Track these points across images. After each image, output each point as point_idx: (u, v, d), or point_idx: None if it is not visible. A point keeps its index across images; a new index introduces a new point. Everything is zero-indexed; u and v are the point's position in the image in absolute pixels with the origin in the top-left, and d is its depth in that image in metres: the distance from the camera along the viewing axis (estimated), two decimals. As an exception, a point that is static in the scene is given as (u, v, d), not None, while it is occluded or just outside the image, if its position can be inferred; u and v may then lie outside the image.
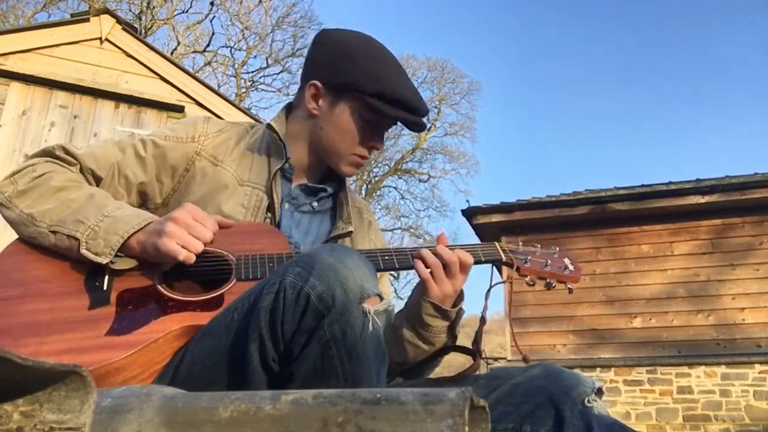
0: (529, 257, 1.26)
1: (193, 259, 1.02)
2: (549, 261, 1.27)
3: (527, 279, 1.26)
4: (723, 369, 7.27)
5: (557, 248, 1.31)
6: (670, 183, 8.77)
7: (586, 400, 0.97)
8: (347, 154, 1.26)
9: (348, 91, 1.22)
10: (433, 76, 25.85)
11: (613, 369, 7.61)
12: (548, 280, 1.27)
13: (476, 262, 1.20)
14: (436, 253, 1.16)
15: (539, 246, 1.31)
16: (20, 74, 5.47)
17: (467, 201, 10.01)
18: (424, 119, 1.27)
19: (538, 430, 0.96)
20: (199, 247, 1.02)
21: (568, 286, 1.28)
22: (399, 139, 24.97)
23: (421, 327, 1.18)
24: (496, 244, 1.27)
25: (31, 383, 0.43)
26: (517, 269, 1.25)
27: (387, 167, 24.78)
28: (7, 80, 5.46)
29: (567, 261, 1.29)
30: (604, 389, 1.02)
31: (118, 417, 0.54)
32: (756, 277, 7.50)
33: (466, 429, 0.46)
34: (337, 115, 1.24)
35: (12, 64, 5.46)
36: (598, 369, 7.62)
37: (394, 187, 25.08)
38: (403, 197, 25.12)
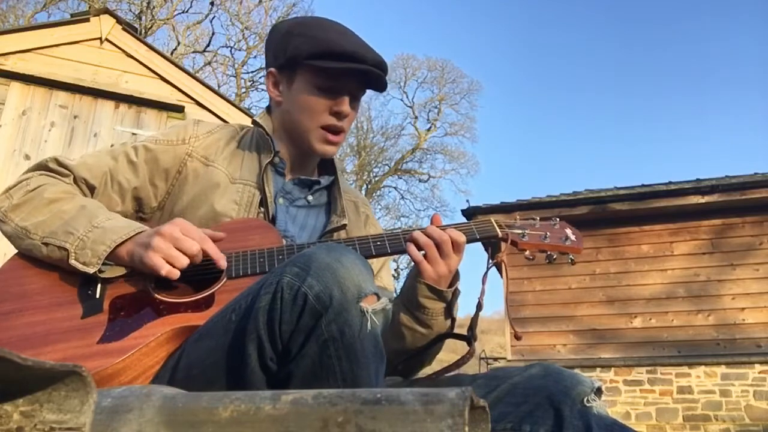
0: (527, 231, 1.22)
1: (176, 274, 1.01)
2: (548, 233, 1.23)
3: (526, 253, 1.22)
4: (723, 369, 7.27)
5: (557, 219, 1.27)
6: (670, 183, 8.77)
7: (585, 400, 0.97)
8: (315, 128, 1.24)
9: (297, 66, 1.22)
10: (433, 76, 25.90)
11: (613, 369, 7.61)
12: (549, 253, 1.22)
13: (471, 240, 1.18)
14: (427, 234, 1.14)
15: (538, 218, 1.26)
16: (20, 74, 5.46)
17: (467, 201, 10.01)
18: (380, 72, 1.22)
19: (537, 429, 0.96)
20: (184, 262, 1.01)
21: (570, 257, 1.23)
22: (399, 139, 24.99)
23: (417, 310, 1.17)
24: (492, 219, 1.23)
25: (31, 383, 0.43)
26: (514, 243, 1.20)
27: (387, 167, 24.79)
28: (7, 80, 5.45)
29: (568, 231, 1.24)
30: (603, 389, 1.01)
31: (118, 417, 0.54)
32: (756, 277, 7.50)
33: (466, 429, 0.46)
34: (295, 92, 1.24)
35: (12, 64, 5.45)
36: (598, 369, 7.62)
37: (394, 187, 25.12)
38: (403, 197, 25.18)
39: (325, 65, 1.18)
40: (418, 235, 1.14)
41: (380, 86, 1.27)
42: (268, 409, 0.51)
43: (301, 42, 1.21)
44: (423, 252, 1.14)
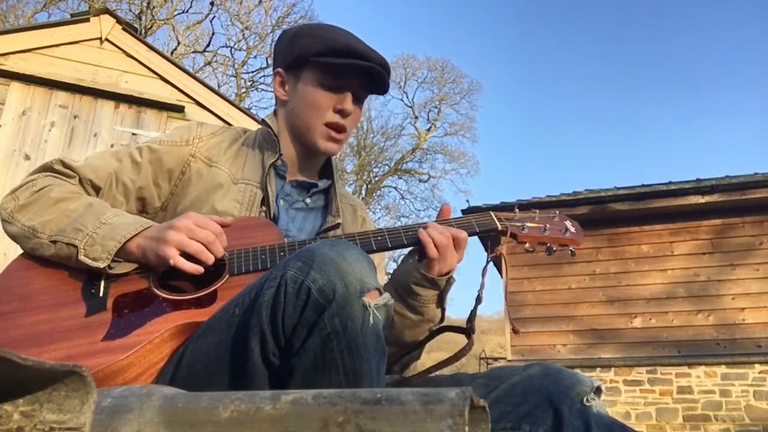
0: (526, 223, 1.23)
1: (185, 263, 1.03)
2: (548, 225, 1.24)
3: (526, 246, 1.24)
4: (723, 369, 7.27)
5: (557, 212, 1.28)
6: (670, 183, 8.77)
7: (584, 400, 0.97)
8: (319, 126, 1.26)
9: (303, 64, 1.26)
10: (433, 76, 25.87)
11: (613, 369, 7.61)
12: (548, 245, 1.23)
13: (471, 233, 1.19)
14: (443, 233, 1.14)
15: (537, 212, 1.27)
16: (20, 74, 5.46)
17: (467, 201, 10.03)
18: (382, 71, 1.24)
19: (536, 429, 0.96)
20: (197, 248, 1.04)
21: (570, 248, 1.25)
22: (399, 139, 24.99)
23: (409, 296, 1.18)
24: (491, 213, 1.24)
25: (31, 383, 0.43)
26: (514, 236, 1.22)
27: (387, 167, 24.78)
28: (7, 80, 5.45)
29: (568, 223, 1.25)
30: (602, 388, 1.01)
31: (118, 417, 0.54)
32: (756, 277, 7.50)
33: (466, 429, 0.46)
34: (300, 90, 1.27)
35: (12, 64, 5.45)
36: (598, 369, 7.62)
37: (394, 187, 25.11)
38: (403, 197, 25.16)
39: (330, 61, 1.22)
40: (435, 234, 1.14)
41: (382, 87, 1.29)
42: (268, 409, 0.51)
43: (309, 41, 1.25)
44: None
